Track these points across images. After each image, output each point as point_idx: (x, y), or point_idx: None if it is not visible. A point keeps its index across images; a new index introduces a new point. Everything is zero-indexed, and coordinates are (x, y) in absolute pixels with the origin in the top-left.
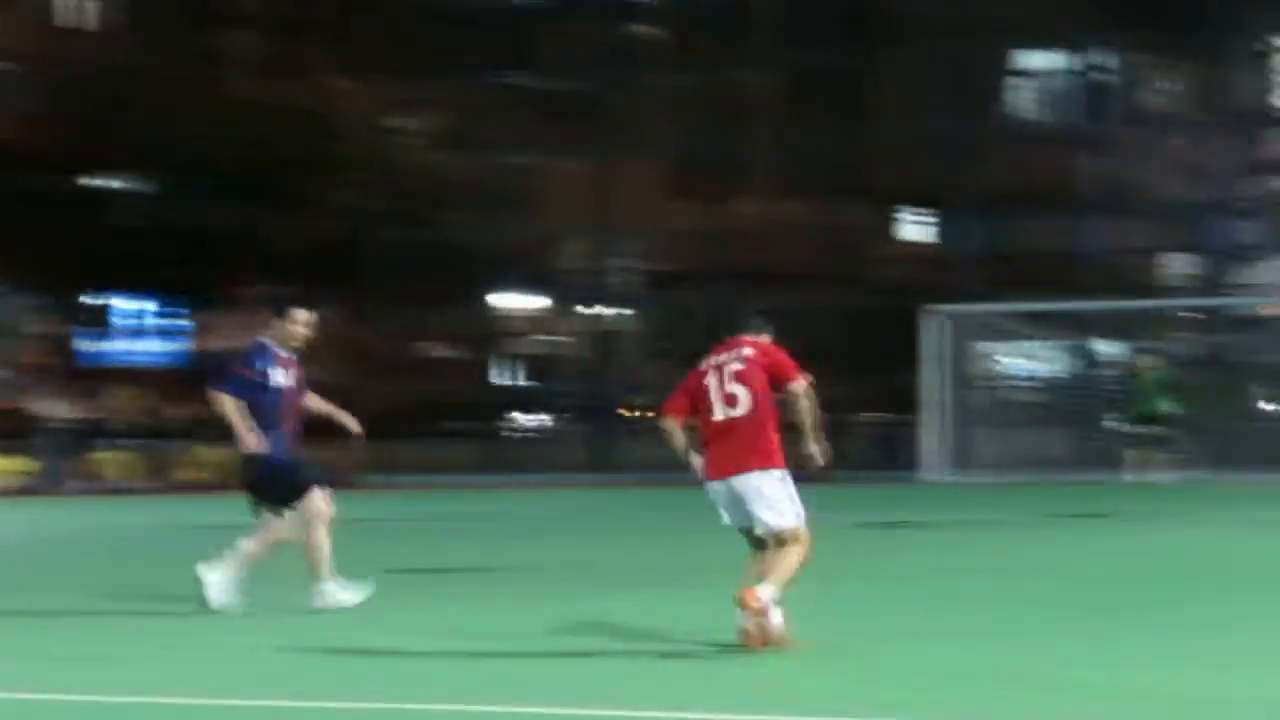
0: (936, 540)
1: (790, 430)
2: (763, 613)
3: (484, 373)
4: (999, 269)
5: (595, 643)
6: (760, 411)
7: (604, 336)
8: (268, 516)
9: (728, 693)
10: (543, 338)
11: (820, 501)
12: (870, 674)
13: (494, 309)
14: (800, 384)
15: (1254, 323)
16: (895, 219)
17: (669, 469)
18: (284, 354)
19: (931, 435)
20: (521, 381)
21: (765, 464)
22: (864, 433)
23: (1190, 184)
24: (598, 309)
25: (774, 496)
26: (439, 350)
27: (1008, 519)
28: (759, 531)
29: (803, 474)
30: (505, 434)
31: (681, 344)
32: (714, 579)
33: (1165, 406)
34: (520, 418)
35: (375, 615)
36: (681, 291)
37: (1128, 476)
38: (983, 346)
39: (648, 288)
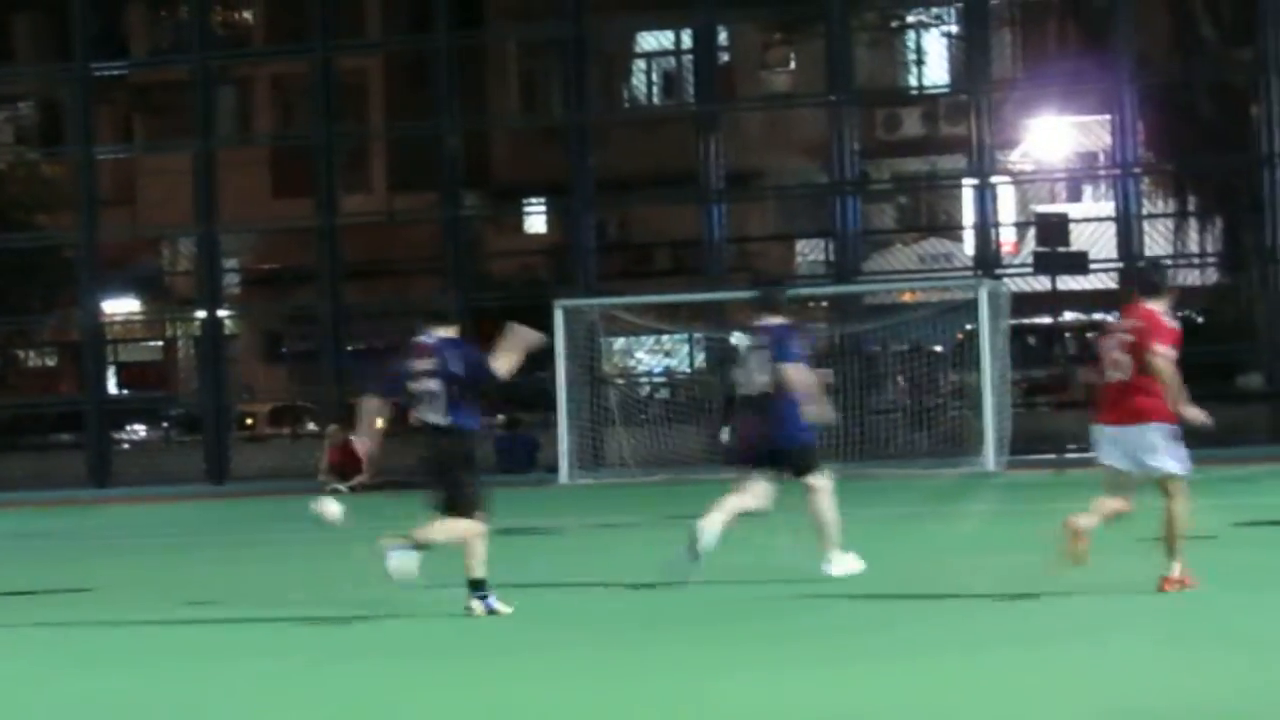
0: (569, 545)
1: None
2: (1079, 537)
3: (90, 381)
4: (626, 259)
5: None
6: (1138, 375)
7: (214, 340)
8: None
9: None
10: (151, 343)
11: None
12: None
13: (97, 314)
14: (1155, 351)
15: (891, 310)
16: (516, 210)
17: (284, 478)
18: None
19: (564, 436)
20: (130, 389)
21: (1146, 419)
22: (495, 433)
23: (819, 166)
24: (205, 312)
25: (1158, 446)
26: (40, 359)
27: (638, 522)
28: (1151, 477)
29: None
30: (116, 445)
31: (298, 345)
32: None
33: None
34: (132, 427)
35: None
36: (293, 291)
37: None
38: (612, 341)
39: (257, 288)
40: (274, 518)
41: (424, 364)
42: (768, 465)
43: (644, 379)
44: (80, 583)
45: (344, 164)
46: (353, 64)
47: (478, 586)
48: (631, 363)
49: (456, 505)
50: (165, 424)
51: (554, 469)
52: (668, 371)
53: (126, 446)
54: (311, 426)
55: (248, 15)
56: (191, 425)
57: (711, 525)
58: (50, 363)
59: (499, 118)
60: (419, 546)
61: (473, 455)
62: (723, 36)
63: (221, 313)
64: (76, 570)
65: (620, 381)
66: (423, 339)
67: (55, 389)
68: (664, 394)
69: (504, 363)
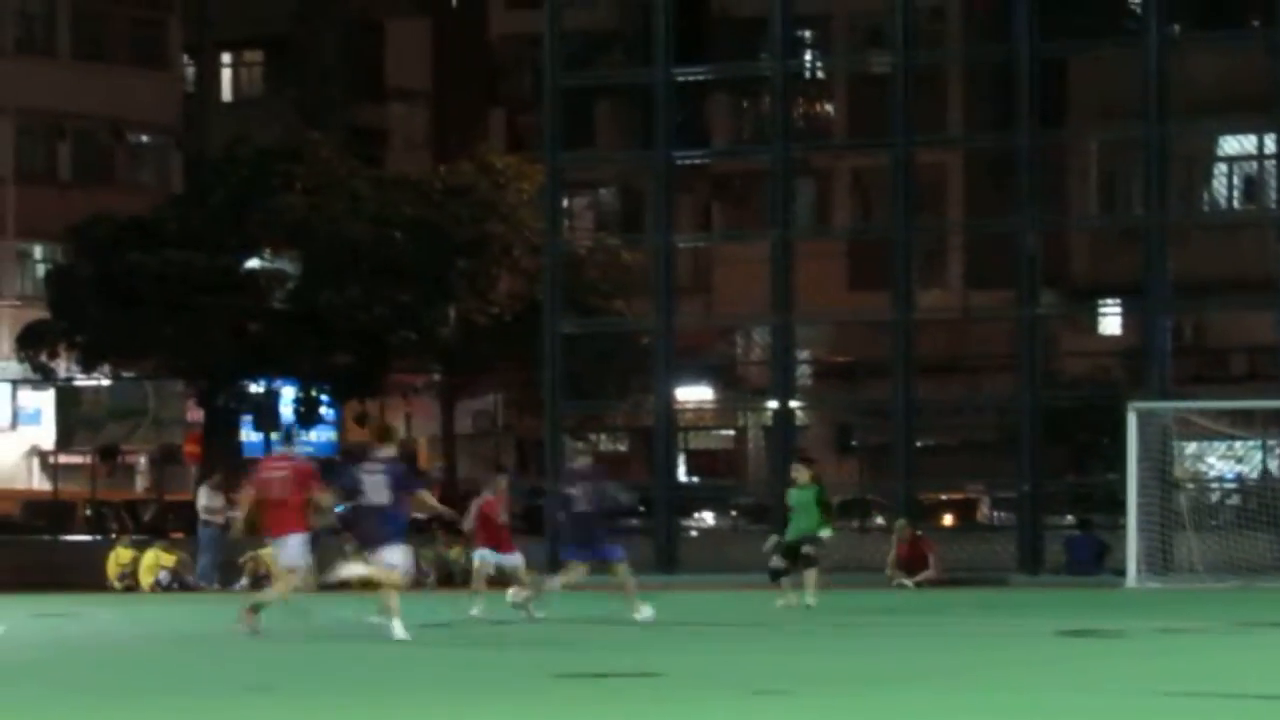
0: (1137, 649)
1: None
2: None
3: (660, 467)
4: (1200, 363)
5: None
6: None
7: (785, 431)
8: None
9: None
10: (721, 431)
11: (1021, 607)
12: None
13: (671, 401)
14: None
15: None
16: (1091, 310)
17: (851, 570)
18: None
19: (1133, 538)
20: (699, 477)
21: None
22: (1063, 534)
23: None
24: (777, 402)
25: None
26: (612, 443)
27: (1211, 627)
28: None
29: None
30: (683, 532)
31: (868, 439)
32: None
33: (820, 526)
34: (700, 514)
35: None
36: (866, 383)
37: (781, 602)
38: (1184, 445)
39: (829, 379)
40: (839, 610)
41: None
42: None
43: (1215, 484)
44: (649, 668)
45: (921, 259)
46: (932, 159)
47: None
48: (1203, 467)
49: None
50: (733, 512)
51: (1121, 571)
52: (1240, 478)
53: (694, 533)
54: (879, 520)
55: (829, 108)
56: (759, 514)
57: None
58: (622, 447)
59: (1078, 217)
60: None
61: None
62: None
63: (793, 403)
64: (645, 655)
65: (1191, 486)
66: None
67: (626, 474)
68: (1235, 500)
69: None
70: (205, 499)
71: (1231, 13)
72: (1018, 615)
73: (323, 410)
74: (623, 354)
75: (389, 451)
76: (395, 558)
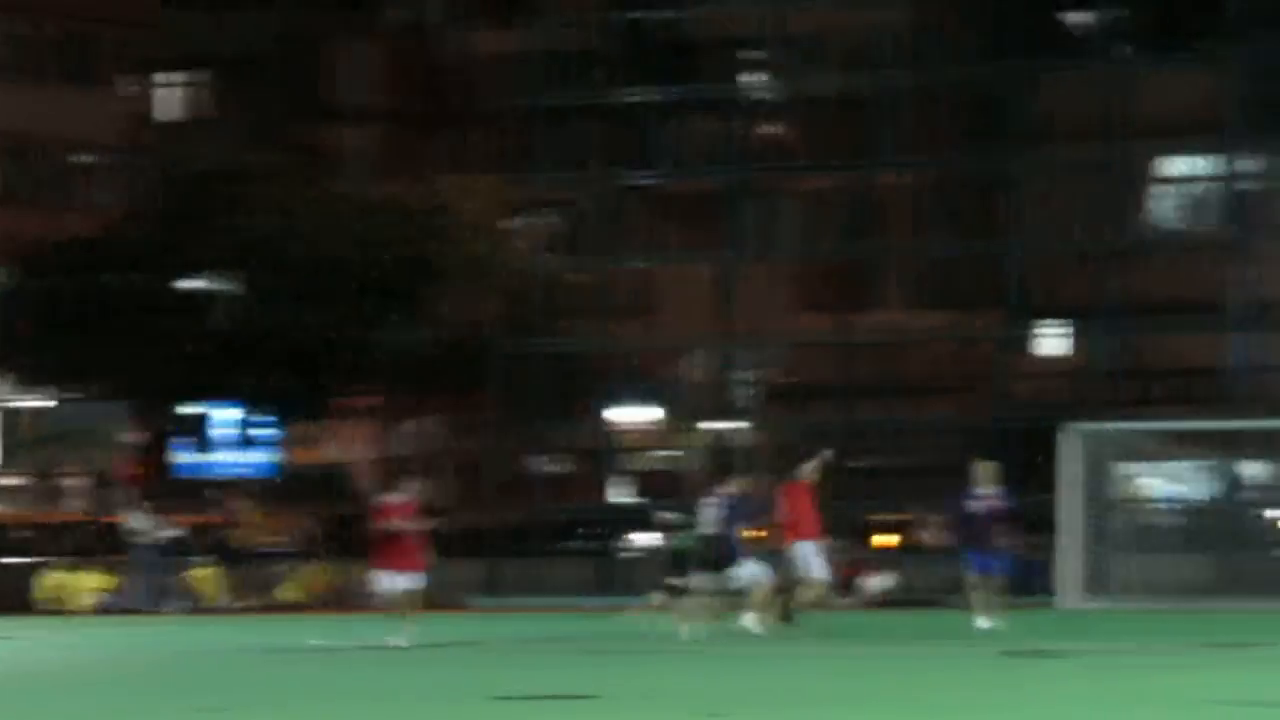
0: (1080, 669)
1: None
2: None
3: (599, 489)
4: (1140, 384)
5: None
6: None
7: (725, 453)
8: None
9: None
10: (661, 453)
11: (959, 628)
12: None
13: (610, 422)
14: None
15: None
16: (1032, 331)
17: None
18: None
19: (1068, 559)
20: (638, 499)
21: None
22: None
23: None
24: (719, 423)
25: None
26: (552, 465)
27: (1147, 648)
28: None
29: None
30: (621, 554)
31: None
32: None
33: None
34: (636, 537)
35: None
36: (810, 405)
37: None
38: (1122, 466)
39: (772, 401)
40: (780, 631)
41: None
42: None
43: (1156, 505)
44: (587, 689)
45: (864, 281)
46: (882, 181)
47: None
48: (1144, 488)
49: None
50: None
51: (1061, 592)
52: (1180, 499)
53: (630, 555)
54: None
55: (779, 130)
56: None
57: None
58: (563, 469)
59: (1026, 239)
60: None
61: None
62: (1249, 164)
63: (737, 424)
64: (583, 676)
65: (1128, 506)
66: None
67: (566, 496)
68: (1176, 521)
69: None
70: (134, 521)
71: (1182, 38)
72: (959, 637)
73: (264, 431)
74: (567, 376)
75: (729, 488)
76: (754, 573)
